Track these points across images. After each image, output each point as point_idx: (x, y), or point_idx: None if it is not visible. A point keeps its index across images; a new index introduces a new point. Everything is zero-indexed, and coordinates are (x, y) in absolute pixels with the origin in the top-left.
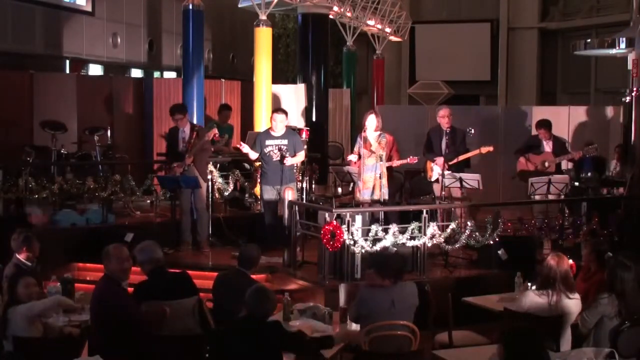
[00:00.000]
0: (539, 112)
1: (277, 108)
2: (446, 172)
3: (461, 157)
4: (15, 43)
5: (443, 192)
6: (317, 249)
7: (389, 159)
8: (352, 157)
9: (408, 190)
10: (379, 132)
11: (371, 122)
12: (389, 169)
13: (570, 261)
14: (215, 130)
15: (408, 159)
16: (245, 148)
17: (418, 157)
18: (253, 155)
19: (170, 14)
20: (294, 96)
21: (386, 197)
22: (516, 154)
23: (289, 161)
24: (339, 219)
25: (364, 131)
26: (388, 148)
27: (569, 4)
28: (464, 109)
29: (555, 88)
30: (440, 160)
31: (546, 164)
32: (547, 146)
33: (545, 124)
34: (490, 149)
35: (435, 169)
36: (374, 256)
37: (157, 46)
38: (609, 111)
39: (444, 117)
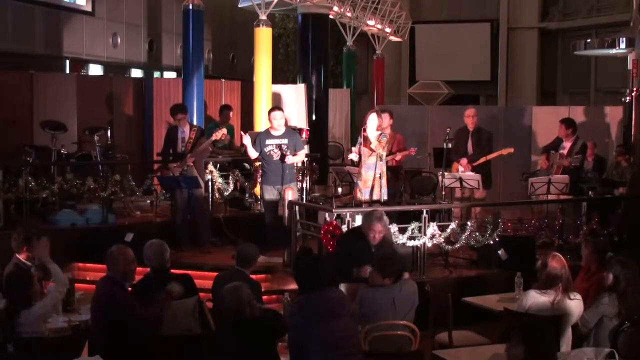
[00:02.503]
0: (539, 112)
1: (272, 107)
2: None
3: (483, 159)
4: (15, 43)
5: (443, 192)
6: (317, 249)
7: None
8: (352, 156)
9: (409, 190)
10: (379, 132)
11: (372, 121)
12: (396, 168)
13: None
14: (224, 130)
15: (407, 150)
16: (247, 139)
17: (416, 147)
18: (253, 154)
19: (170, 14)
20: (294, 96)
21: (385, 197)
22: (542, 153)
23: (289, 159)
24: (339, 219)
25: (365, 130)
26: (395, 147)
27: (569, 4)
28: (464, 109)
29: (555, 88)
30: (464, 161)
31: (554, 167)
32: (565, 146)
33: (564, 121)
34: (511, 150)
35: (461, 170)
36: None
37: (157, 46)
38: (609, 111)
39: (469, 117)
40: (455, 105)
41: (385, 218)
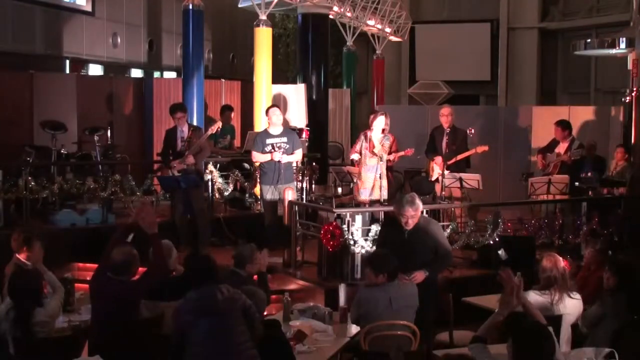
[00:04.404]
0: (539, 112)
1: (270, 106)
2: (445, 172)
3: (458, 157)
4: (16, 43)
5: (443, 192)
6: (317, 249)
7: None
8: (355, 157)
9: (408, 190)
10: (383, 135)
11: (379, 123)
12: (389, 169)
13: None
14: (219, 124)
15: (404, 151)
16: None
17: (413, 148)
18: (263, 158)
19: (170, 14)
20: (294, 96)
21: (386, 197)
22: (538, 154)
23: (285, 158)
24: (339, 219)
25: (370, 131)
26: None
27: (569, 4)
28: (464, 109)
29: (555, 88)
30: (439, 159)
31: (550, 166)
32: (561, 147)
33: (559, 123)
34: (486, 148)
35: (436, 169)
36: (368, 255)
37: (157, 46)
38: (609, 111)
39: (444, 115)
40: (455, 105)
41: (418, 202)
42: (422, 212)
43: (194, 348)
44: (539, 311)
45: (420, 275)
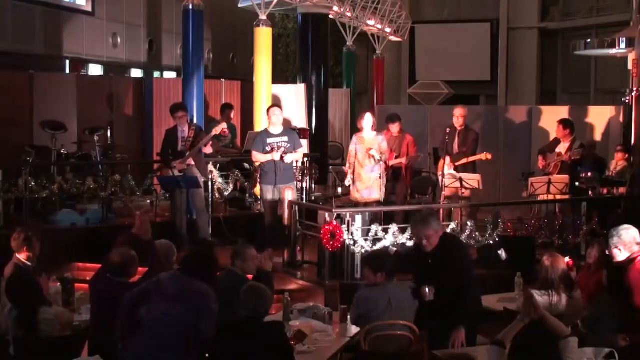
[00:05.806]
0: (539, 112)
1: (270, 105)
2: (448, 172)
3: (467, 160)
4: (15, 43)
5: (443, 192)
6: (317, 249)
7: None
8: (346, 168)
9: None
10: (375, 133)
11: (367, 122)
12: (404, 169)
13: (567, 259)
14: (224, 125)
15: (417, 155)
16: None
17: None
18: (263, 158)
19: (170, 14)
20: (294, 96)
21: (381, 199)
22: (538, 153)
23: (287, 158)
24: (339, 219)
25: (361, 132)
26: (405, 147)
27: (569, 4)
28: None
29: (555, 88)
30: (447, 159)
31: (551, 165)
32: (562, 147)
33: (561, 121)
34: (489, 156)
35: (447, 169)
36: (367, 254)
37: (157, 46)
38: (609, 111)
39: (456, 116)
40: (455, 106)
41: (432, 220)
42: (443, 232)
43: (141, 328)
44: (560, 323)
45: (461, 337)
